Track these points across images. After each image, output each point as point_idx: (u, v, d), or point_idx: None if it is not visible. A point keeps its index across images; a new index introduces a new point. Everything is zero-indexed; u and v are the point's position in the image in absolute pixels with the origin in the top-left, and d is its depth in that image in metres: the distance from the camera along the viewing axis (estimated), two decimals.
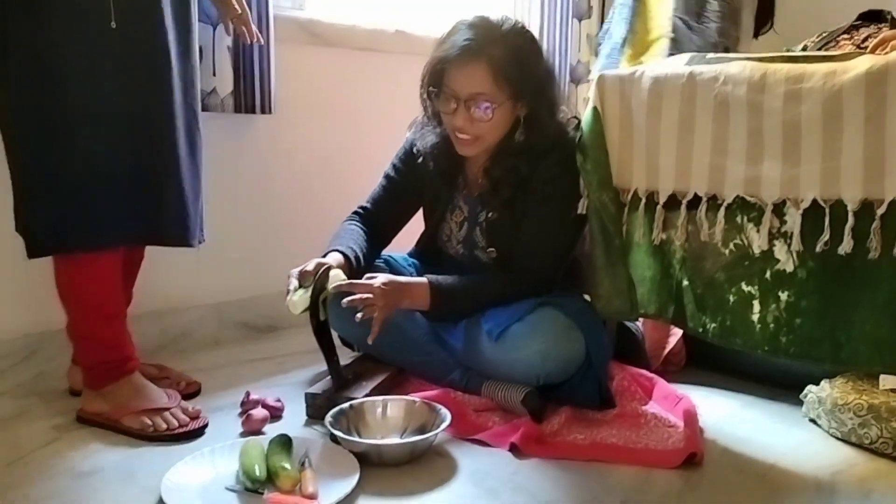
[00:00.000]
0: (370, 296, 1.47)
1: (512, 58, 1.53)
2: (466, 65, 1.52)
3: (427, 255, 1.84)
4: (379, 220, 1.78)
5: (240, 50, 1.97)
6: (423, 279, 1.57)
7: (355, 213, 1.79)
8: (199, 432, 1.44)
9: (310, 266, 1.51)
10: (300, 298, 1.46)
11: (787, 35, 2.28)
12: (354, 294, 1.47)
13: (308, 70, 2.25)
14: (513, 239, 1.65)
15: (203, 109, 1.92)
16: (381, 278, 1.51)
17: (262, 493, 1.19)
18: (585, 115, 1.57)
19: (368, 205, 1.79)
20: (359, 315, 1.46)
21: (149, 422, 1.42)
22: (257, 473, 1.21)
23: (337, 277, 1.51)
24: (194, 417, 1.46)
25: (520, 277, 1.62)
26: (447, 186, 1.73)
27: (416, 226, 1.87)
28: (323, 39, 2.26)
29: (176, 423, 1.43)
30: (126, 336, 1.52)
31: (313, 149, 2.29)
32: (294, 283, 1.49)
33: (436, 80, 1.59)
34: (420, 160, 1.73)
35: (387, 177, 1.80)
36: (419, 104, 1.71)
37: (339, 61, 2.33)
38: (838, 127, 1.27)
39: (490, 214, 1.66)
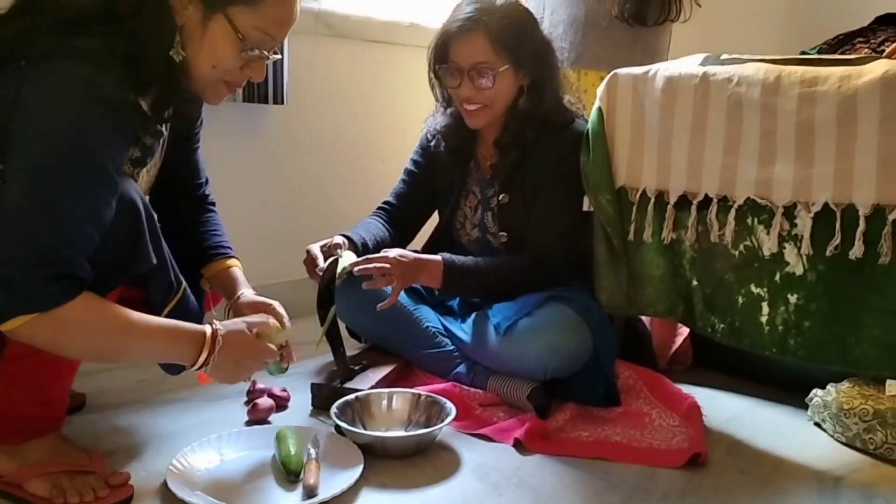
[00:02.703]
0: (387, 266, 1.50)
1: (509, 27, 1.59)
2: (466, 36, 1.59)
3: (438, 247, 1.85)
4: (402, 213, 1.82)
5: None
6: (438, 256, 1.60)
7: (380, 208, 1.83)
8: None
9: (338, 239, 1.58)
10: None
11: (802, 37, 2.27)
12: (370, 265, 1.50)
13: (322, 61, 2.26)
14: (524, 223, 1.67)
15: None
16: (395, 251, 1.55)
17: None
18: (591, 115, 1.58)
19: (392, 199, 1.83)
20: (365, 284, 1.51)
21: (59, 489, 1.12)
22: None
23: (351, 258, 1.54)
24: (117, 486, 1.16)
25: (531, 259, 1.64)
26: (459, 170, 1.76)
27: (429, 224, 1.89)
28: (337, 31, 2.26)
29: (92, 496, 1.13)
30: (69, 393, 1.27)
31: (326, 140, 2.30)
32: (316, 250, 1.56)
33: (440, 57, 1.65)
34: (434, 147, 1.77)
35: (407, 171, 1.85)
36: (432, 97, 1.76)
37: (353, 53, 2.33)
38: (852, 130, 1.27)
39: (502, 198, 1.69)
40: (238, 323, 1.22)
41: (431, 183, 1.81)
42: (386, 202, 1.83)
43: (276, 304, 1.36)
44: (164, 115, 1.13)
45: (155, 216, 1.13)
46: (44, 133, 0.97)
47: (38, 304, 0.97)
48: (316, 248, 1.57)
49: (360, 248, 1.63)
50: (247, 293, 1.41)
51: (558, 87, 1.69)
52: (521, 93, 1.65)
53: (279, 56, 1.20)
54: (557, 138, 1.64)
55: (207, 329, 1.14)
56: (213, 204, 1.50)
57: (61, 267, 0.98)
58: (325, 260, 1.53)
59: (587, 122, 1.64)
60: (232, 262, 1.45)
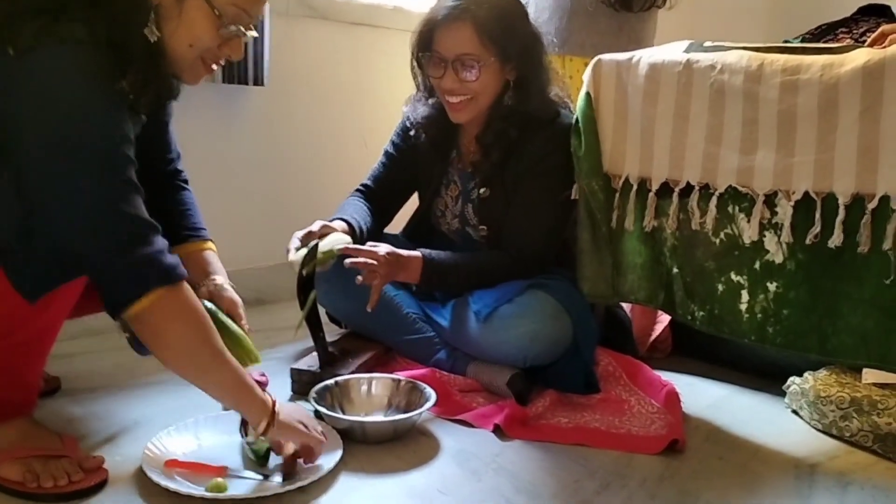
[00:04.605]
0: (374, 262, 1.47)
1: (497, 18, 1.55)
2: (452, 26, 1.55)
3: (419, 233, 1.84)
4: (380, 196, 1.78)
5: None
6: (417, 252, 1.57)
7: (357, 190, 1.79)
8: (93, 490, 1.13)
9: (314, 227, 1.52)
10: (303, 256, 1.46)
11: (786, 26, 2.27)
12: (358, 257, 1.47)
13: (303, 43, 2.23)
14: (504, 218, 1.65)
15: None
16: (383, 248, 1.52)
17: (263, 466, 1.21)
18: (579, 100, 1.57)
19: (369, 182, 1.80)
20: (359, 278, 1.47)
21: (32, 473, 1.11)
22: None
23: (341, 240, 1.51)
24: (92, 470, 1.15)
25: (509, 257, 1.62)
26: (441, 160, 1.74)
27: (410, 206, 1.87)
28: (319, 13, 2.24)
29: (66, 479, 1.11)
30: (41, 376, 1.27)
31: (306, 123, 2.28)
32: (296, 242, 1.49)
33: (424, 45, 1.61)
34: (415, 137, 1.73)
35: (386, 153, 1.81)
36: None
37: (334, 35, 2.30)
38: (833, 119, 1.27)
39: (482, 191, 1.67)
40: (293, 407, 1.25)
41: (412, 167, 1.78)
42: (364, 184, 1.79)
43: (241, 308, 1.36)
44: (144, 99, 1.11)
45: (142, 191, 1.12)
46: (60, 123, 0.98)
47: (168, 274, 1.03)
48: (294, 239, 1.52)
49: (359, 234, 1.61)
50: (220, 281, 1.38)
51: (545, 83, 1.64)
52: (506, 87, 1.62)
53: (256, 34, 1.20)
54: (539, 136, 1.61)
55: (268, 400, 1.15)
56: (186, 182, 1.46)
57: (152, 237, 1.03)
58: (301, 248, 1.49)
59: (572, 113, 1.63)
60: (208, 244, 1.42)
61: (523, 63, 1.59)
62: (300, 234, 1.51)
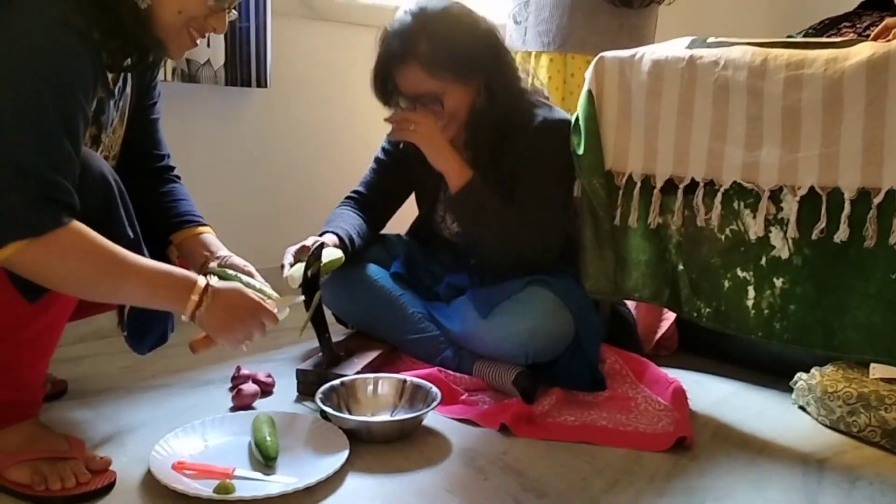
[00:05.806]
0: (420, 121, 1.53)
1: (442, 48, 1.54)
2: (401, 71, 1.58)
3: (421, 238, 1.84)
4: (372, 204, 1.78)
5: (236, 23, 1.95)
6: (470, 171, 1.60)
7: (348, 197, 1.80)
8: (101, 492, 1.12)
9: (308, 242, 1.52)
10: (298, 272, 1.46)
11: (788, 21, 2.26)
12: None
13: (305, 45, 2.23)
14: None
15: (195, 81, 1.92)
16: (429, 121, 1.56)
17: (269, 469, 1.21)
18: (580, 99, 1.57)
19: (361, 188, 1.80)
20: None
21: (40, 476, 1.10)
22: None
23: (332, 254, 1.51)
24: (100, 471, 1.15)
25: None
26: (433, 173, 1.73)
27: (413, 206, 1.87)
28: (321, 14, 2.24)
29: (74, 481, 1.11)
30: (45, 378, 1.27)
31: (309, 125, 2.28)
32: (290, 258, 1.50)
33: (387, 81, 1.63)
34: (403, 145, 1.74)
35: (377, 160, 1.82)
36: None
37: (337, 37, 2.30)
38: (838, 114, 1.27)
39: None
40: (234, 283, 1.20)
41: (404, 173, 1.78)
42: (356, 191, 1.80)
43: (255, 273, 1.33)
44: (123, 63, 1.12)
45: (125, 190, 1.12)
46: (19, 59, 0.98)
47: (32, 228, 0.97)
48: (288, 255, 1.52)
49: (350, 247, 1.61)
50: (225, 253, 1.36)
51: (513, 76, 1.65)
52: (477, 92, 1.62)
53: (237, 13, 1.23)
54: (529, 130, 1.61)
55: (201, 279, 1.13)
56: (179, 178, 1.45)
57: (48, 190, 0.98)
58: (295, 263, 1.50)
59: (549, 99, 1.63)
60: (204, 229, 1.40)
61: (484, 69, 1.59)
62: (293, 249, 1.52)
